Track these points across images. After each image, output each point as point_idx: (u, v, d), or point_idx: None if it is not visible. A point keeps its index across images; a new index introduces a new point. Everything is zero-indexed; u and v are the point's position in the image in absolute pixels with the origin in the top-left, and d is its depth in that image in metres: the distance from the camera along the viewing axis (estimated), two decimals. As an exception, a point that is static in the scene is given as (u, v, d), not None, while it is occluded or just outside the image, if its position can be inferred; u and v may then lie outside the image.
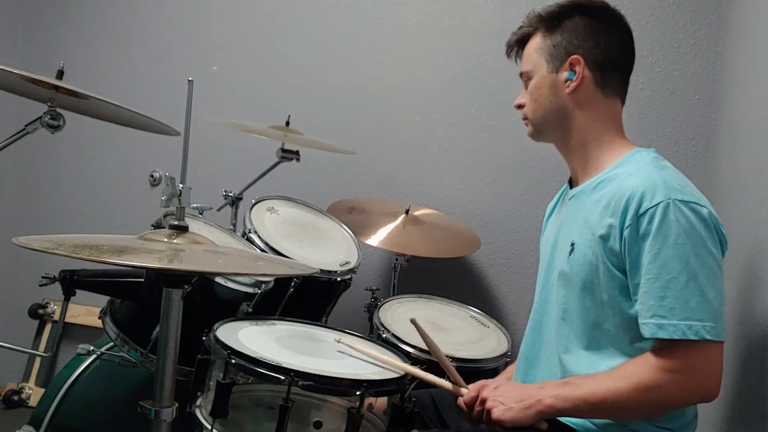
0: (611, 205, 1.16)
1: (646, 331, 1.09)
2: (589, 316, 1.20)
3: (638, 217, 1.11)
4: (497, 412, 1.13)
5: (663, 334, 1.07)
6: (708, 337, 1.06)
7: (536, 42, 1.32)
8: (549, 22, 1.31)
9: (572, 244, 1.24)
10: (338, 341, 1.35)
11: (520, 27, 1.37)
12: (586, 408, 1.12)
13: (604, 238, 1.16)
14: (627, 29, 1.32)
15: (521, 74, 1.36)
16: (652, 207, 1.10)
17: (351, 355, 1.30)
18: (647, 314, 1.10)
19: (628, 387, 1.09)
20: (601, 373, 1.14)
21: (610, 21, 1.31)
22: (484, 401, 1.16)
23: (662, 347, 1.09)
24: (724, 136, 1.95)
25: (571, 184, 1.37)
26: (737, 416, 1.41)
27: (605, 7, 1.31)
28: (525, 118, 1.36)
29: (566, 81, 1.28)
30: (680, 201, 1.10)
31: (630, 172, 1.20)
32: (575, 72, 1.27)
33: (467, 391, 1.21)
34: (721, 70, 2.11)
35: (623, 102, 1.33)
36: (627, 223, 1.13)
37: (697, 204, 1.12)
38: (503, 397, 1.15)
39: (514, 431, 1.13)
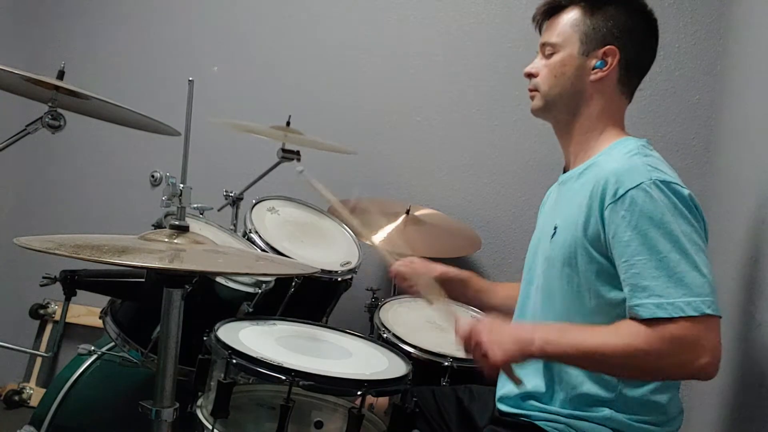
0: (591, 189, 1.17)
1: (644, 312, 1.06)
2: (568, 299, 1.21)
3: (618, 198, 1.11)
4: (493, 354, 1.11)
5: (662, 314, 1.05)
6: (707, 311, 1.04)
7: (573, 16, 1.28)
8: (592, 1, 1.27)
9: (555, 228, 1.25)
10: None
11: None
12: (574, 356, 1.11)
13: (584, 222, 1.16)
14: (657, 35, 1.31)
15: (544, 44, 1.31)
16: (632, 188, 1.10)
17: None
18: (643, 295, 1.07)
19: (620, 346, 1.07)
20: (597, 327, 1.12)
21: (650, 25, 1.30)
22: (479, 345, 1.14)
23: (658, 324, 1.06)
24: (725, 137, 1.95)
25: (565, 170, 1.37)
26: (739, 416, 1.40)
27: (649, 10, 1.29)
28: (534, 90, 1.32)
29: (594, 68, 1.26)
30: (661, 181, 1.10)
31: (611, 158, 1.20)
32: (606, 62, 1.26)
33: (461, 328, 1.19)
34: (721, 70, 2.10)
35: (630, 102, 1.33)
36: (606, 204, 1.12)
37: (678, 185, 1.12)
38: (497, 336, 1.13)
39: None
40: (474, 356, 1.16)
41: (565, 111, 1.30)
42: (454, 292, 1.54)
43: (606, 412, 1.17)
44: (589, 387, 1.18)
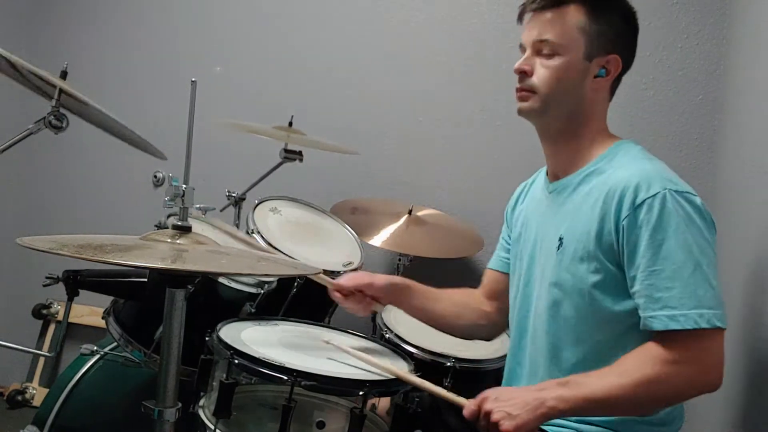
0: (602, 197, 1.15)
1: (657, 324, 1.07)
2: (575, 312, 1.20)
3: (636, 208, 1.10)
4: (505, 425, 1.08)
5: (675, 326, 1.06)
6: (718, 324, 1.05)
7: (578, 18, 1.20)
8: (596, 4, 1.21)
9: (560, 239, 1.22)
10: (327, 342, 1.31)
11: None
12: (589, 407, 1.10)
13: (597, 232, 1.15)
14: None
15: (542, 41, 1.21)
16: (649, 197, 1.10)
17: (342, 362, 1.25)
18: (656, 306, 1.08)
19: (630, 383, 1.07)
20: (602, 370, 1.12)
21: (636, 32, 1.28)
22: (488, 414, 1.11)
23: (667, 338, 1.07)
24: (728, 136, 1.95)
25: (550, 177, 1.33)
26: (745, 418, 1.40)
27: (636, 17, 1.27)
28: (529, 90, 1.23)
29: (597, 76, 1.22)
30: (676, 191, 1.10)
31: (618, 165, 1.19)
32: (608, 71, 1.23)
33: (468, 404, 1.14)
34: (724, 70, 2.10)
35: None
36: (624, 214, 1.12)
37: (691, 194, 1.12)
38: (506, 405, 1.10)
39: None
40: (487, 430, 1.11)
41: (561, 116, 1.24)
42: (402, 298, 1.44)
43: (616, 417, 1.17)
44: None
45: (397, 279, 1.45)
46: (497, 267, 1.52)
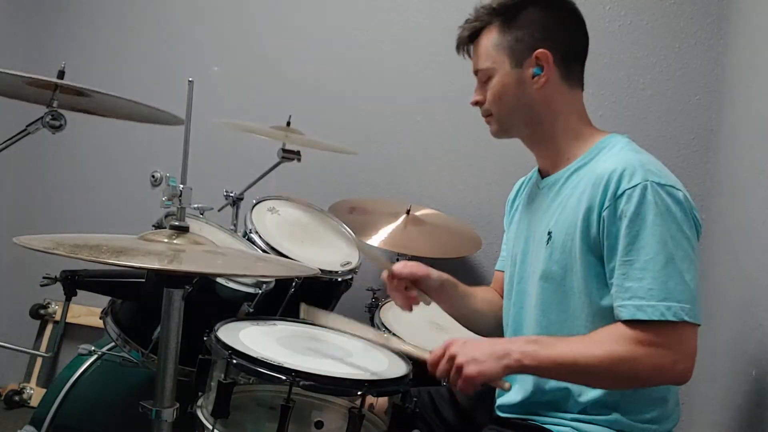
0: (588, 189, 1.16)
1: (624, 313, 1.08)
2: (566, 306, 1.20)
3: (616, 198, 1.11)
4: (469, 369, 1.10)
5: (641, 316, 1.06)
6: (686, 318, 1.06)
7: (492, 37, 1.27)
8: (505, 15, 1.26)
9: (549, 233, 1.23)
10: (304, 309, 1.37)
11: (469, 21, 1.31)
12: (553, 368, 1.11)
13: (583, 223, 1.16)
14: (581, 18, 1.29)
15: (476, 71, 1.31)
16: (630, 188, 1.10)
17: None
18: (625, 296, 1.09)
19: (597, 354, 1.08)
20: (574, 337, 1.13)
21: (566, 11, 1.28)
22: (453, 357, 1.13)
23: (636, 325, 1.08)
24: (725, 136, 1.95)
25: (541, 174, 1.36)
26: (739, 417, 1.40)
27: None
28: (488, 115, 1.33)
29: (533, 77, 1.25)
30: (657, 183, 1.10)
31: (605, 157, 1.20)
32: (542, 67, 1.24)
33: (433, 351, 1.17)
34: (722, 70, 2.10)
35: (583, 89, 1.31)
36: (606, 204, 1.12)
37: (673, 187, 1.12)
38: (472, 351, 1.12)
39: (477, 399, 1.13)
40: (447, 373, 1.13)
41: (523, 126, 1.30)
42: (450, 296, 1.45)
43: (613, 415, 1.17)
44: (596, 392, 1.18)
45: (446, 276, 1.45)
46: (502, 268, 1.53)
